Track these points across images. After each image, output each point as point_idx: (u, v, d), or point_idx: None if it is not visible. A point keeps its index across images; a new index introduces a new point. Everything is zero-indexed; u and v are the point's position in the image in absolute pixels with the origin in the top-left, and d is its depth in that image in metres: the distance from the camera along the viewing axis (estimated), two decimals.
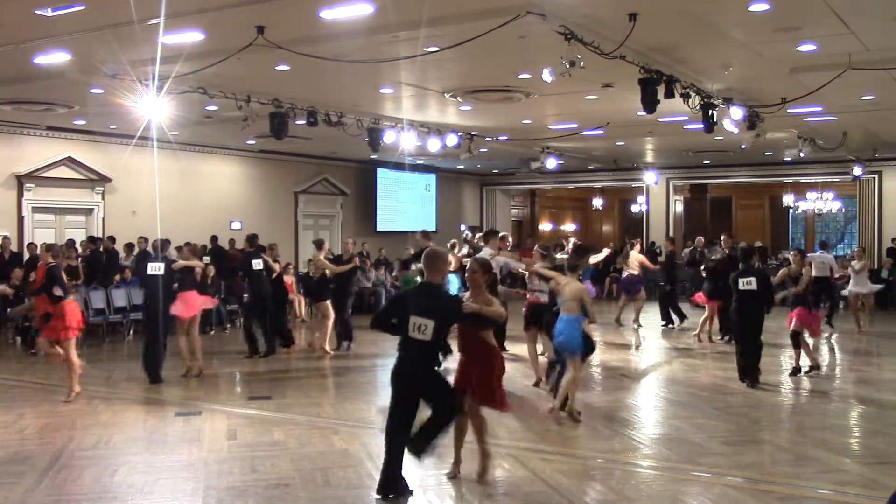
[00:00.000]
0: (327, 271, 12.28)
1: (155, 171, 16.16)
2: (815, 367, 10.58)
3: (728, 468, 6.47)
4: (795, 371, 10.45)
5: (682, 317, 15.66)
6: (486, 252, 10.22)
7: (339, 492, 5.89)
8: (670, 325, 15.56)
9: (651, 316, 16.18)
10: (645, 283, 16.21)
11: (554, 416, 7.86)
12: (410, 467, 6.59)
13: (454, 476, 6.11)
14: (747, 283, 9.79)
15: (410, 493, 5.75)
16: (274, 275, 12.60)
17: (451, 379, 6.15)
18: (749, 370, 9.89)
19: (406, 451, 5.74)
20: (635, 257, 15.71)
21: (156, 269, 10.15)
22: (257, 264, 12.33)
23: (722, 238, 14.15)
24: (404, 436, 5.71)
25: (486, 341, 6.07)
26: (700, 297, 13.74)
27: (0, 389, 9.70)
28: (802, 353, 10.47)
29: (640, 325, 15.56)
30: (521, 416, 7.85)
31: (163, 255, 10.46)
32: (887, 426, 7.98)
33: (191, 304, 10.64)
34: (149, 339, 10.30)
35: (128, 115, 12.59)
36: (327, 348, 12.43)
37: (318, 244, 12.95)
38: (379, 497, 5.68)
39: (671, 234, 24.95)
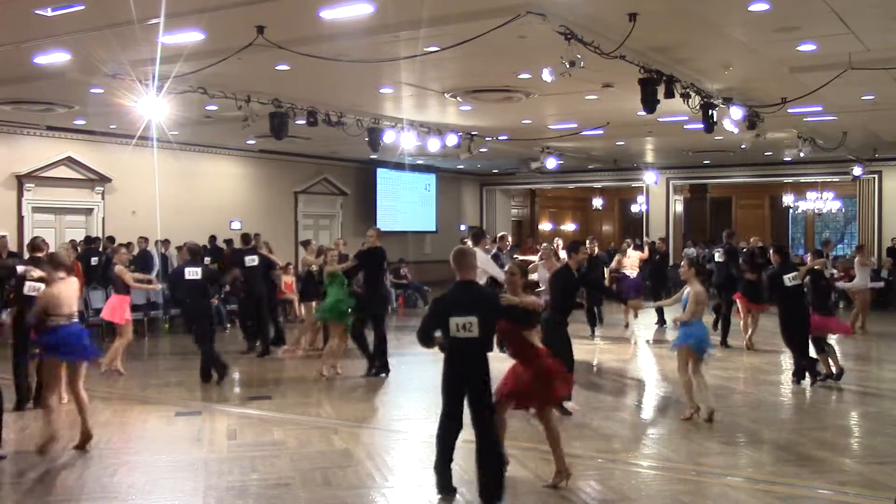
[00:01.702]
0: (313, 267, 12.34)
1: (155, 171, 16.17)
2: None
3: (728, 468, 6.47)
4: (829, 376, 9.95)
5: (663, 321, 15.35)
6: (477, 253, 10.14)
7: (339, 492, 5.89)
8: (664, 325, 15.39)
9: (647, 316, 16.14)
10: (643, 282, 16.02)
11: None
12: (413, 467, 6.59)
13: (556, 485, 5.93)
14: (793, 279, 9.72)
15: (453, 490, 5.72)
16: (278, 268, 12.58)
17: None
18: (809, 368, 9.76)
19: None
20: (636, 256, 15.60)
21: (192, 273, 10.06)
22: (250, 261, 12.37)
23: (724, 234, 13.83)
24: (455, 434, 5.62)
25: (530, 342, 5.94)
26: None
27: None
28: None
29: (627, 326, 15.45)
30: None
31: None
32: (887, 426, 7.99)
33: (120, 310, 10.71)
34: (197, 342, 10.30)
35: (128, 115, 12.60)
36: (306, 346, 12.59)
37: (304, 244, 13.03)
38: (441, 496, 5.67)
39: (671, 234, 25.02)
